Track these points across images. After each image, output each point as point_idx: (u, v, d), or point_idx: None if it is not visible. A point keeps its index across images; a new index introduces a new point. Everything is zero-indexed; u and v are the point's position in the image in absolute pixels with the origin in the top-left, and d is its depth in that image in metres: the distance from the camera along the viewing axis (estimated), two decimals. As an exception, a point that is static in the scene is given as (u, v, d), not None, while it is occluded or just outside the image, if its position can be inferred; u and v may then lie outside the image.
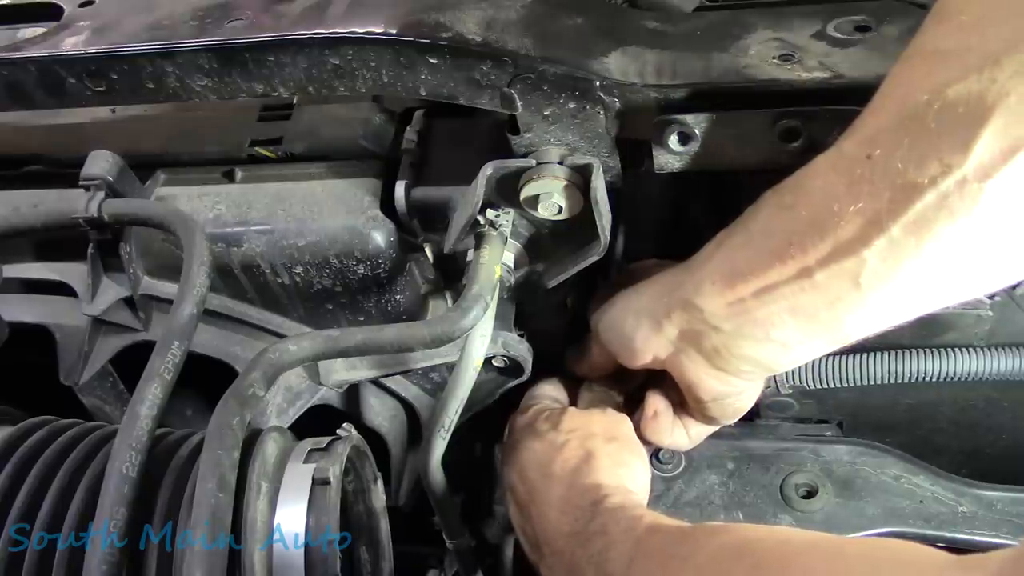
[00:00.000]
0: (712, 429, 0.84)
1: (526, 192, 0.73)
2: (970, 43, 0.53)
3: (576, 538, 0.68)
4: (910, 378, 0.83)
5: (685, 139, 0.69)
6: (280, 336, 0.85)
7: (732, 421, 0.80)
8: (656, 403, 0.83)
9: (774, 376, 0.86)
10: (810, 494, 0.87)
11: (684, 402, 0.80)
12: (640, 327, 0.74)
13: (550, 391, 0.90)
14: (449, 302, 0.87)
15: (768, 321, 0.64)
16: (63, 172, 0.82)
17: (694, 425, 0.83)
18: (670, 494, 0.89)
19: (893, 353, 0.83)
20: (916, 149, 0.54)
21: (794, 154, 0.67)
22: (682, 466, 0.89)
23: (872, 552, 0.53)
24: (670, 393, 0.83)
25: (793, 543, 0.57)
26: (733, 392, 0.74)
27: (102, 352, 0.87)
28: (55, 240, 0.84)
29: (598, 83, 0.69)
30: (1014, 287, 0.80)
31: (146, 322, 0.85)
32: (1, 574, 0.58)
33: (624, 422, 0.83)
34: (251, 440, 0.61)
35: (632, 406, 0.87)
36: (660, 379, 0.83)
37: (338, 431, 0.66)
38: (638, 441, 0.81)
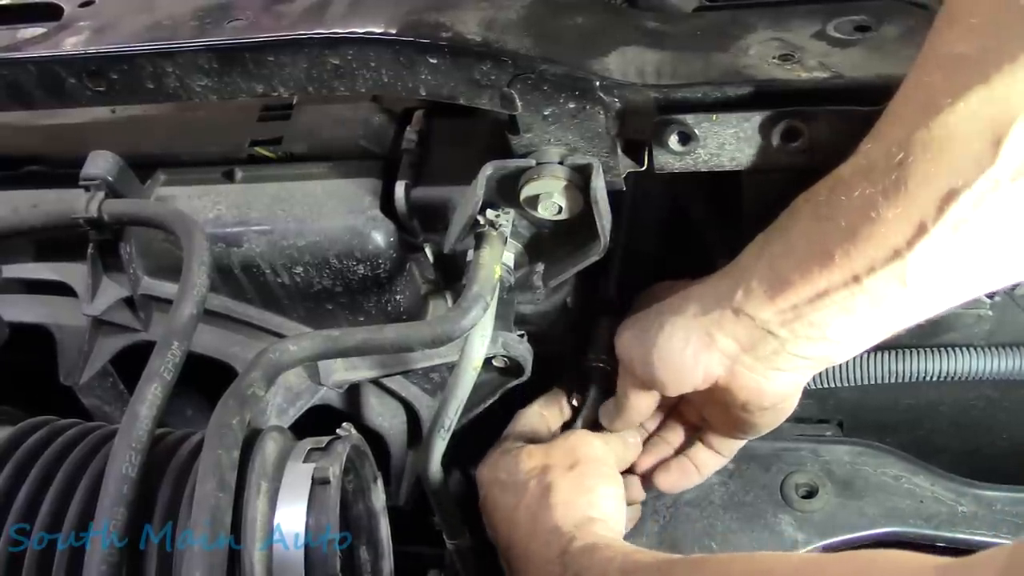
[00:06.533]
0: (741, 443, 0.83)
1: (526, 192, 0.73)
2: (986, 46, 0.54)
3: None
4: (910, 378, 0.84)
5: (685, 139, 0.69)
6: (280, 336, 0.85)
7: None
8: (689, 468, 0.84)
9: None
10: (810, 494, 0.87)
11: (712, 426, 0.80)
12: (689, 345, 0.71)
13: (528, 424, 0.87)
14: (449, 302, 0.87)
15: (822, 323, 0.64)
16: (63, 172, 0.82)
17: (727, 444, 0.83)
18: (670, 495, 0.89)
19: (893, 353, 0.83)
20: (948, 152, 0.55)
21: (794, 154, 0.67)
22: (682, 466, 0.89)
23: (861, 570, 0.53)
24: (690, 422, 0.84)
25: (775, 573, 0.57)
26: (792, 392, 0.73)
27: (102, 352, 0.86)
28: (55, 240, 0.84)
29: (598, 83, 0.69)
30: (1014, 287, 0.80)
31: (146, 322, 0.85)
32: (1, 574, 0.58)
33: (587, 442, 0.80)
34: (251, 440, 0.60)
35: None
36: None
37: (338, 431, 0.66)
38: (604, 458, 0.79)
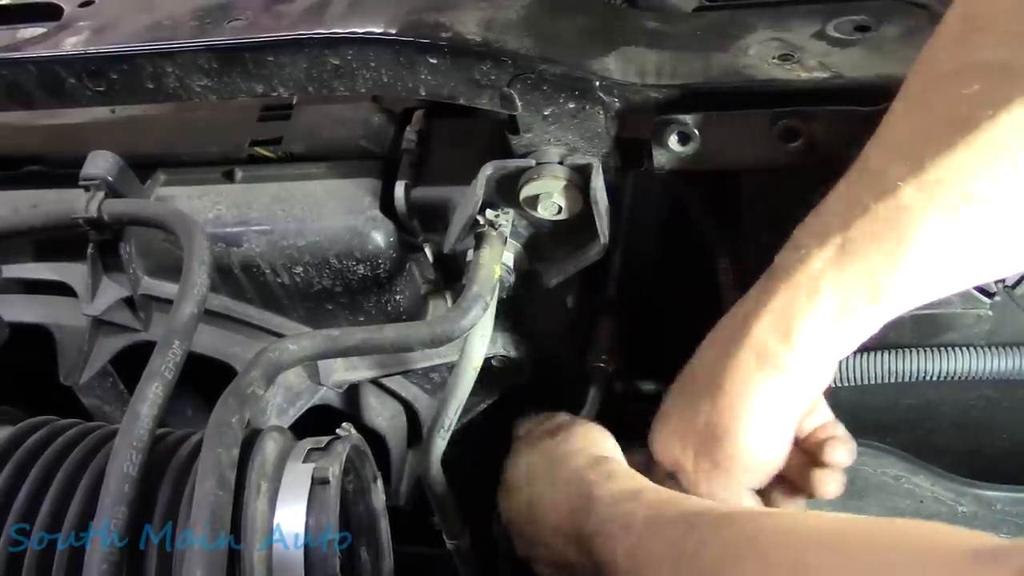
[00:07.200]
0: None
1: (526, 192, 0.73)
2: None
3: (576, 543, 0.67)
4: (910, 378, 0.83)
5: (685, 139, 0.69)
6: (280, 336, 0.85)
7: None
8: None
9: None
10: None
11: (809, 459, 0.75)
12: (767, 426, 0.66)
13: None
14: (449, 302, 0.87)
15: (844, 351, 0.63)
16: (63, 172, 0.82)
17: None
18: (670, 494, 0.89)
19: (893, 353, 0.83)
20: (989, 165, 0.54)
21: (794, 154, 0.67)
22: (682, 466, 0.89)
23: (890, 544, 0.51)
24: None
25: (801, 534, 0.54)
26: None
27: (102, 352, 0.86)
28: (55, 240, 0.84)
29: (598, 83, 0.69)
30: (1014, 287, 0.80)
31: (146, 322, 0.85)
32: (1, 574, 0.58)
33: (568, 419, 0.81)
34: (251, 439, 0.61)
35: None
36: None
37: (338, 431, 0.66)
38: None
